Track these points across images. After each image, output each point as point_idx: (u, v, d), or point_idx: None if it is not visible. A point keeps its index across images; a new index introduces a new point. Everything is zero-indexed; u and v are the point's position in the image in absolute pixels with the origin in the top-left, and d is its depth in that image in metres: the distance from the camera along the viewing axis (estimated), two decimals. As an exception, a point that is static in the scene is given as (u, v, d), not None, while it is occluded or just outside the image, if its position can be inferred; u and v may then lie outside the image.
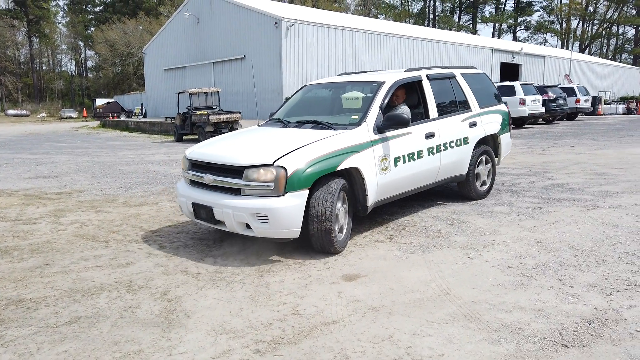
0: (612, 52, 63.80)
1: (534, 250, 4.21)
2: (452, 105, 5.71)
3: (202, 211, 4.25)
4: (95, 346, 2.75)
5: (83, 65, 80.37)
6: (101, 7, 76.91)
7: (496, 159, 6.42)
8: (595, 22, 62.83)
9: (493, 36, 63.75)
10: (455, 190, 6.50)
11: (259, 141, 4.54)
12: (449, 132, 5.45)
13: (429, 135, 5.17)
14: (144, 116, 33.40)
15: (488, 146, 6.17)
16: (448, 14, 70.68)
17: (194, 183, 4.54)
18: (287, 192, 3.88)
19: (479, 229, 4.93)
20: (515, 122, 17.85)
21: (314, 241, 4.13)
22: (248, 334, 2.86)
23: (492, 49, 30.35)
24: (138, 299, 3.41)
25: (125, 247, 4.64)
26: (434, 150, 5.23)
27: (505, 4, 68.01)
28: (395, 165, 4.73)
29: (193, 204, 4.33)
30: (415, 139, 4.99)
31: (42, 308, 3.27)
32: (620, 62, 54.87)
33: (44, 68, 77.98)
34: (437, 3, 70.24)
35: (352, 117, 4.76)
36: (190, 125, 16.91)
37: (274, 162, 3.91)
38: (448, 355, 2.57)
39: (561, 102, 20.45)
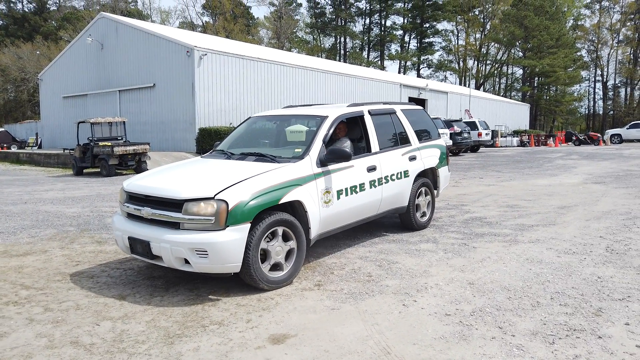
0: (503, 90, 70.05)
1: (468, 294, 4.02)
2: (392, 140, 5.83)
3: (138, 245, 4.10)
4: None
5: (-33, 91, 72.52)
6: (-9, 29, 70.51)
7: (435, 191, 6.62)
8: (488, 62, 68.94)
9: (399, 72, 67.45)
10: (391, 221, 6.29)
11: (200, 173, 4.47)
12: (390, 166, 5.55)
13: (371, 169, 5.23)
14: (39, 147, 30.48)
15: (427, 179, 6.36)
16: (358, 50, 73.82)
17: (131, 216, 4.38)
18: (228, 226, 3.79)
19: (409, 270, 4.70)
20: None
21: (245, 276, 4.01)
22: None
23: (401, 85, 31.82)
24: (7, 388, 2.66)
25: (-2, 312, 3.77)
26: (376, 183, 5.28)
27: (409, 43, 72.53)
28: (338, 198, 4.75)
29: (129, 238, 4.17)
30: (357, 172, 5.03)
31: None
32: (511, 98, 60.40)
33: None
34: (348, 39, 73.20)
35: (296, 150, 4.78)
36: (91, 158, 15.50)
37: (215, 195, 3.82)
38: None
39: (466, 135, 21.74)
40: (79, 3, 68.86)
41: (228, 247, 3.76)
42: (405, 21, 70.51)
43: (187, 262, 3.86)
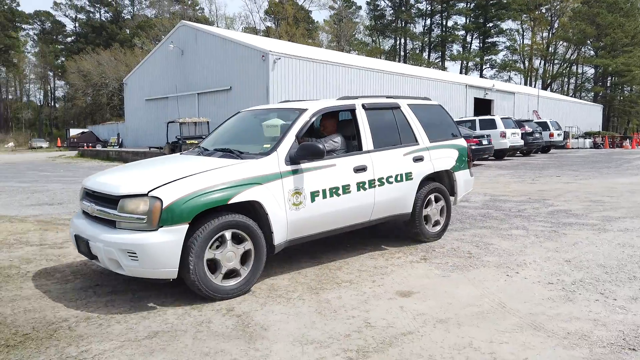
0: (572, 90, 67.29)
1: (566, 269, 4.47)
2: (392, 138, 5.19)
3: (81, 244, 3.87)
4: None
5: (52, 95, 79.00)
6: (73, 38, 76.40)
7: (452, 198, 5.83)
8: (556, 61, 66.49)
9: (461, 73, 66.44)
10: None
11: (152, 170, 4.15)
12: (387, 166, 4.94)
13: (360, 169, 4.67)
14: (120, 146, 32.97)
15: (441, 183, 5.65)
16: (418, 51, 73.46)
17: (84, 213, 4.13)
18: (161, 227, 3.44)
19: (505, 250, 5.18)
20: (497, 154, 18.57)
21: (188, 284, 3.64)
22: (332, 344, 2.96)
23: (467, 85, 31.63)
24: (206, 315, 3.42)
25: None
26: (366, 186, 4.71)
27: (471, 43, 71.29)
28: (313, 200, 4.25)
29: (75, 235, 3.95)
30: (340, 173, 4.51)
31: (114, 324, 3.28)
32: (581, 99, 57.94)
33: (10, 97, 76.23)
34: (408, 41, 73.01)
35: (265, 145, 4.36)
36: (179, 155, 16.87)
37: (149, 192, 3.52)
38: (532, 358, 2.74)
39: (537, 135, 21.48)
40: (151, 12, 73.10)
41: (160, 249, 3.42)
42: (468, 21, 69.41)
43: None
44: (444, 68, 68.82)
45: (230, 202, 3.71)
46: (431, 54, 73.60)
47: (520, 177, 12.86)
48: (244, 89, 22.52)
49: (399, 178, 5.05)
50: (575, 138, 33.05)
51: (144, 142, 29.10)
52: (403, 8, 69.58)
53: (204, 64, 24.97)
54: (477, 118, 19.88)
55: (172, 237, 3.46)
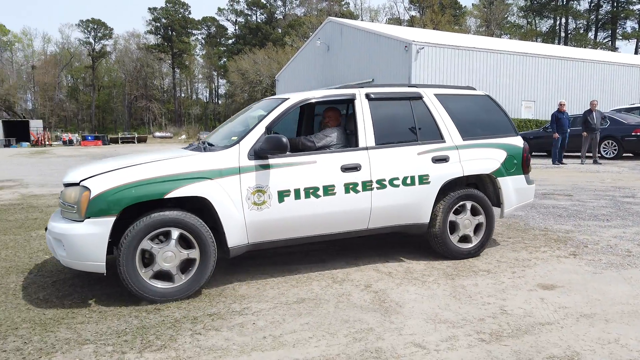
0: None
1: None
2: (405, 133, 4.44)
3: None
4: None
5: (216, 93, 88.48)
6: (233, 40, 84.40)
7: (500, 210, 4.80)
8: None
9: (636, 54, 57.83)
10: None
11: (113, 160, 3.98)
12: (391, 167, 4.22)
13: (350, 168, 4.06)
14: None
15: (477, 190, 4.67)
16: (582, 31, 65.77)
17: None
18: (88, 218, 3.32)
19: (675, 250, 4.61)
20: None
21: (124, 285, 3.46)
22: (465, 325, 3.05)
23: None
24: (346, 289, 3.75)
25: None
26: (358, 188, 4.07)
27: (651, 17, 61.59)
28: (281, 200, 3.80)
29: (46, 228, 3.79)
30: (321, 171, 3.97)
31: (268, 289, 3.79)
32: None
33: (182, 95, 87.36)
34: (570, 20, 65.78)
35: (233, 137, 4.02)
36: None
37: (81, 181, 3.44)
38: (692, 364, 2.51)
39: None
40: (300, 10, 77.26)
41: (84, 241, 3.31)
42: (647, -8, 59.94)
43: None
44: (614, 49, 60.65)
45: (166, 196, 3.44)
46: (598, 34, 65.35)
47: None
48: (385, 80, 22.75)
49: (408, 181, 4.26)
50: None
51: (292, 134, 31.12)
52: (564, -16, 62.88)
53: (348, 57, 25.79)
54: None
55: (96, 230, 3.32)
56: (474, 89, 5.05)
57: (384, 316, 3.21)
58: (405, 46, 21.28)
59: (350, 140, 4.38)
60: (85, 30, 77.56)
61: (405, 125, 4.46)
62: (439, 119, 4.55)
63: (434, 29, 54.21)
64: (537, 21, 68.59)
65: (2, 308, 3.45)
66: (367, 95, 4.37)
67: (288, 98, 4.18)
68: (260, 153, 3.78)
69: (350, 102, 4.43)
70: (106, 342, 2.88)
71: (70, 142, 42.13)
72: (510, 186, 4.73)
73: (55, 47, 77.91)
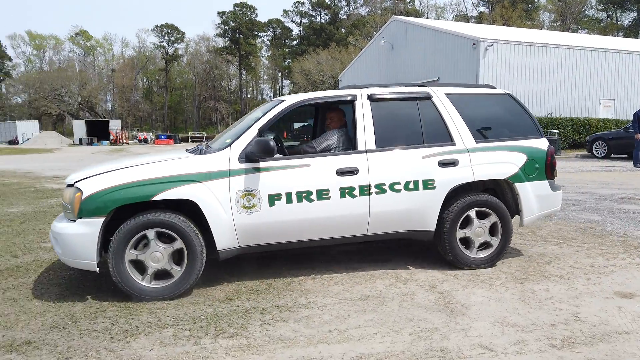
0: None
1: None
2: (410, 136, 4.21)
3: None
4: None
5: (280, 93, 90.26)
6: (297, 41, 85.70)
7: (520, 218, 4.44)
8: None
9: None
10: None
11: (113, 162, 4.07)
12: (391, 171, 4.03)
13: (346, 172, 3.92)
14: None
15: (493, 196, 4.31)
16: (672, 23, 60.62)
17: None
18: (79, 218, 3.49)
19: None
20: None
21: (115, 282, 3.58)
22: (535, 330, 2.97)
23: None
24: (410, 288, 3.76)
25: (375, 245, 5.14)
26: (355, 192, 3.92)
27: None
28: (272, 204, 3.76)
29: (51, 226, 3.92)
30: (315, 175, 3.87)
31: (333, 285, 3.88)
32: None
33: (248, 96, 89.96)
34: (657, 12, 60.84)
35: (226, 140, 4.02)
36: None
37: (75, 182, 3.61)
38: None
39: None
40: (364, 10, 77.02)
41: (75, 241, 3.49)
42: None
43: None
44: None
45: (154, 199, 3.52)
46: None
47: None
48: (451, 79, 22.21)
49: (411, 186, 4.05)
50: None
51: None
52: (651, -28, 58.25)
53: (412, 56, 25.42)
54: None
55: (86, 230, 3.46)
56: (494, 87, 4.74)
57: (449, 317, 3.20)
58: (473, 43, 20.64)
59: (352, 143, 4.23)
60: (160, 35, 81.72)
61: (411, 127, 4.25)
62: (449, 120, 4.29)
63: (503, 25, 52.15)
64: (618, 14, 63.98)
65: (93, 293, 3.79)
66: (369, 96, 4.22)
67: (284, 100, 4.12)
68: (250, 156, 3.76)
69: (351, 103, 4.24)
70: (184, 327, 3.09)
71: (145, 141, 44.61)
72: (531, 192, 4.36)
73: (132, 51, 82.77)
